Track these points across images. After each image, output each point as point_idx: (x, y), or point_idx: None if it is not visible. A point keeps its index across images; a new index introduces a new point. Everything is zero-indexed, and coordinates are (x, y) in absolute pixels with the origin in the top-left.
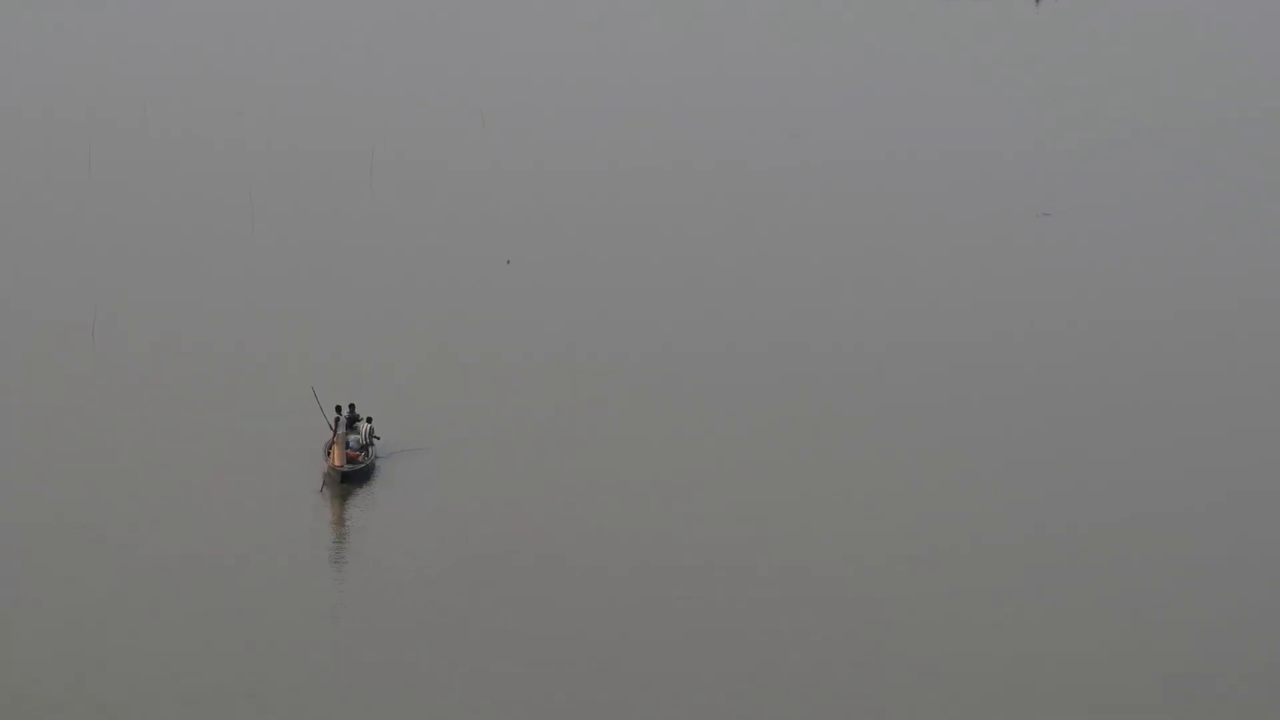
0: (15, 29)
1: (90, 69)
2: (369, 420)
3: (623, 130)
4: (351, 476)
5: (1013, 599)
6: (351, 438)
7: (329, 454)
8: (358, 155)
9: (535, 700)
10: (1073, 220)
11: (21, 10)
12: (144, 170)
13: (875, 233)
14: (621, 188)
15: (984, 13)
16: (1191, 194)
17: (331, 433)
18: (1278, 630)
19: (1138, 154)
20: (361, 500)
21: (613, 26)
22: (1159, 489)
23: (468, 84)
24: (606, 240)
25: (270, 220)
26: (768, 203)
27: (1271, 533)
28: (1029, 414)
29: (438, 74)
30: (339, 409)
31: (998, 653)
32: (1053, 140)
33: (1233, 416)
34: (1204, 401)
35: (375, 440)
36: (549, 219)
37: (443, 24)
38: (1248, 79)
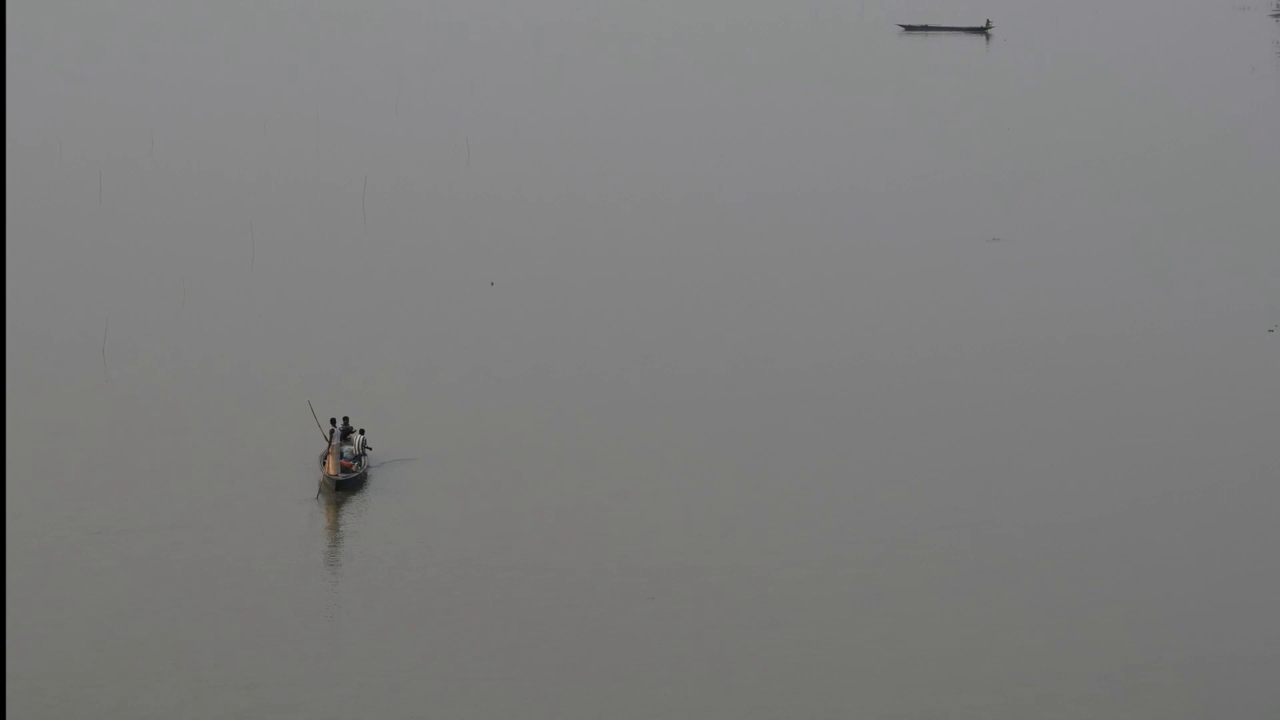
0: (35, 71)
1: (102, 106)
2: (362, 432)
3: (598, 161)
4: (346, 484)
5: (960, 595)
6: (346, 448)
7: (325, 463)
8: (351, 185)
9: (515, 690)
10: (1021, 245)
11: (42, 52)
12: (151, 199)
13: (837, 257)
14: (597, 215)
15: (937, 49)
16: (1131, 220)
17: (327, 444)
18: (1215, 623)
19: (1081, 183)
20: (355, 506)
21: (589, 65)
22: (1100, 493)
23: (453, 119)
24: (584, 264)
25: (269, 246)
26: (734, 229)
27: (1204, 531)
28: (978, 421)
29: (425, 109)
30: (334, 421)
31: (947, 646)
32: (1002, 170)
33: (1168, 424)
34: (1142, 410)
35: (368, 451)
36: (530, 244)
37: (429, 64)
38: (1182, 113)
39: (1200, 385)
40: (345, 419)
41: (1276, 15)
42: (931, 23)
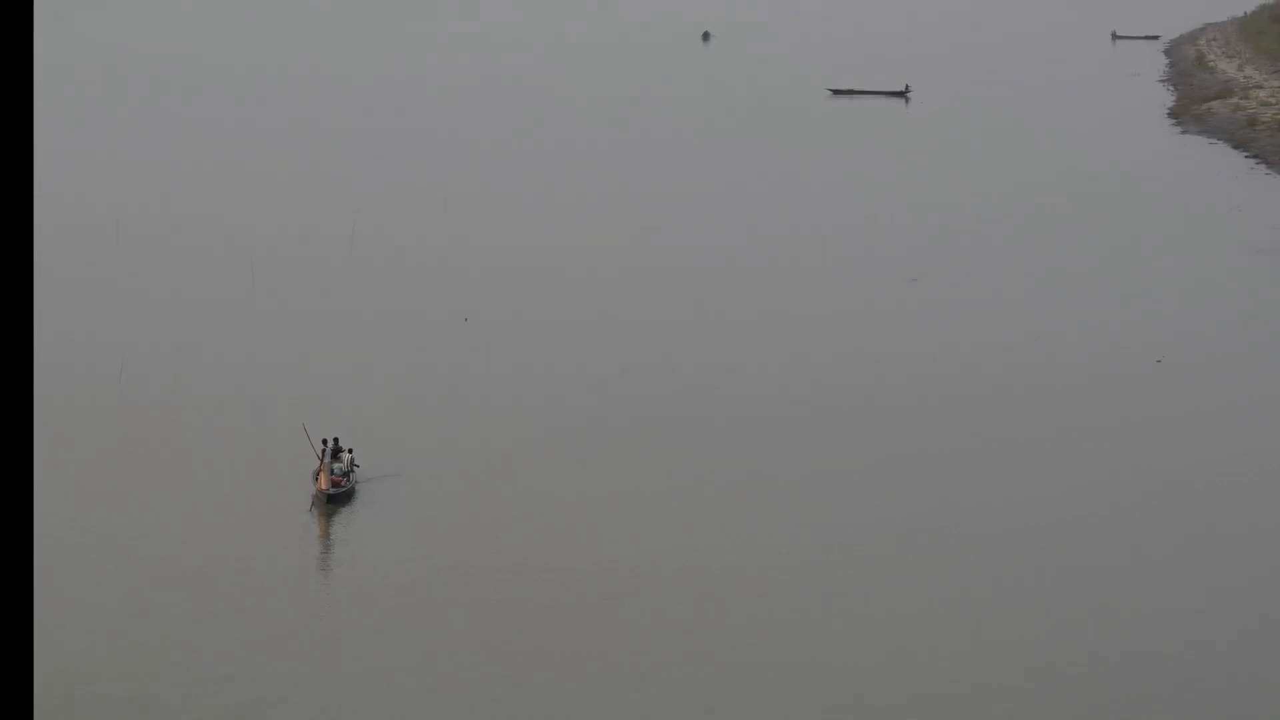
0: (63, 129)
1: (120, 161)
2: (350, 451)
3: (562, 210)
4: (336, 498)
5: (895, 597)
6: (335, 465)
7: (317, 479)
8: (341, 231)
9: (494, 680)
10: (937, 285)
11: (67, 113)
12: (163, 243)
13: (774, 296)
14: (560, 257)
15: (862, 111)
16: (1037, 262)
17: (319, 461)
18: (1143, 622)
19: (991, 228)
20: (344, 518)
21: (555, 125)
22: (1012, 505)
23: (432, 172)
24: (547, 301)
25: (268, 285)
26: (685, 270)
27: (1115, 539)
28: (893, 445)
29: (407, 164)
30: (325, 441)
31: (888, 643)
32: (920, 219)
33: (1071, 444)
34: (1047, 432)
35: (356, 468)
36: (501, 283)
37: (410, 123)
38: (1081, 167)
39: (1100, 408)
40: (335, 439)
41: (1165, 81)
42: (857, 88)
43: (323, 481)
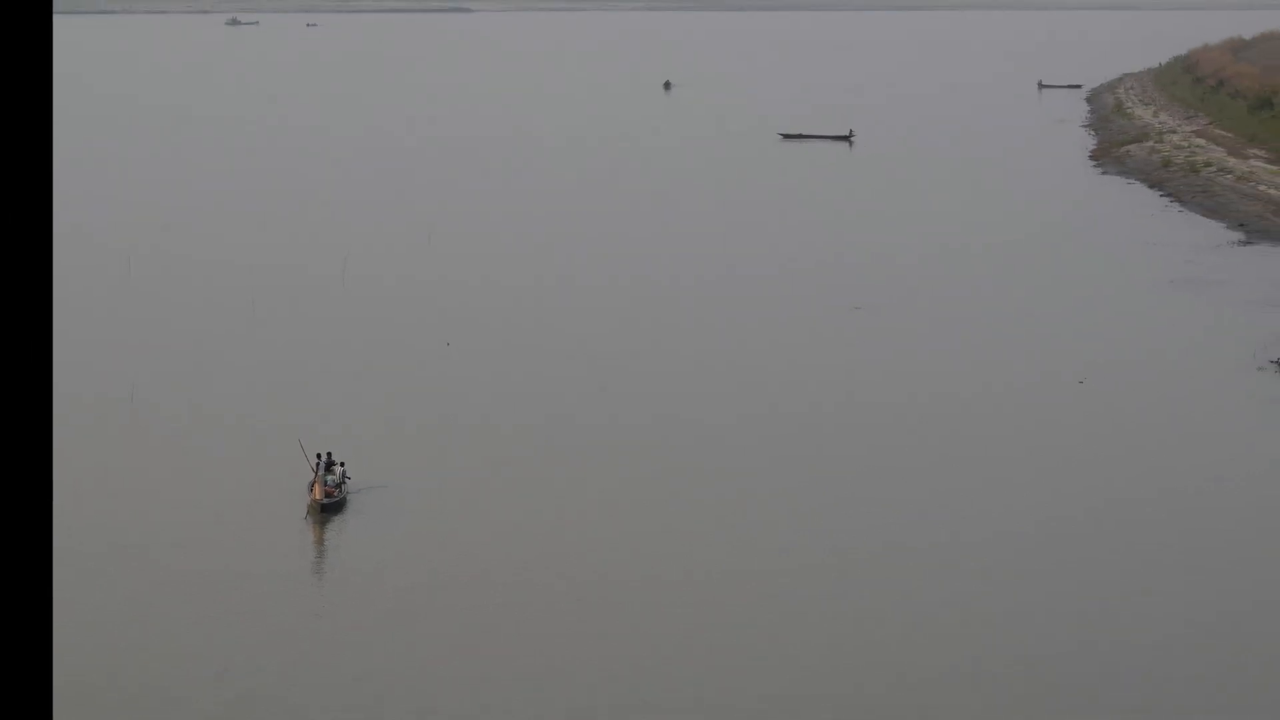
0: (79, 176)
1: (132, 204)
2: (342, 465)
3: (534, 247)
4: (329, 507)
5: (834, 607)
6: (329, 478)
7: (312, 490)
8: (334, 266)
9: (477, 676)
10: (878, 312)
11: (83, 161)
12: (171, 279)
13: (730, 321)
14: (535, 290)
15: (810, 154)
16: (972, 292)
17: (314, 474)
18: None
19: (928, 263)
20: (336, 525)
21: (530, 171)
22: (948, 522)
23: (416, 212)
24: (525, 329)
25: (267, 315)
26: (647, 303)
27: (1041, 550)
28: (836, 464)
29: (394, 205)
30: (319, 456)
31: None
32: (863, 251)
33: (1000, 460)
34: (979, 450)
35: (347, 480)
36: (480, 312)
37: (397, 168)
38: (1013, 206)
39: (1028, 424)
40: (329, 454)
41: (1087, 126)
42: (806, 132)
43: (317, 492)
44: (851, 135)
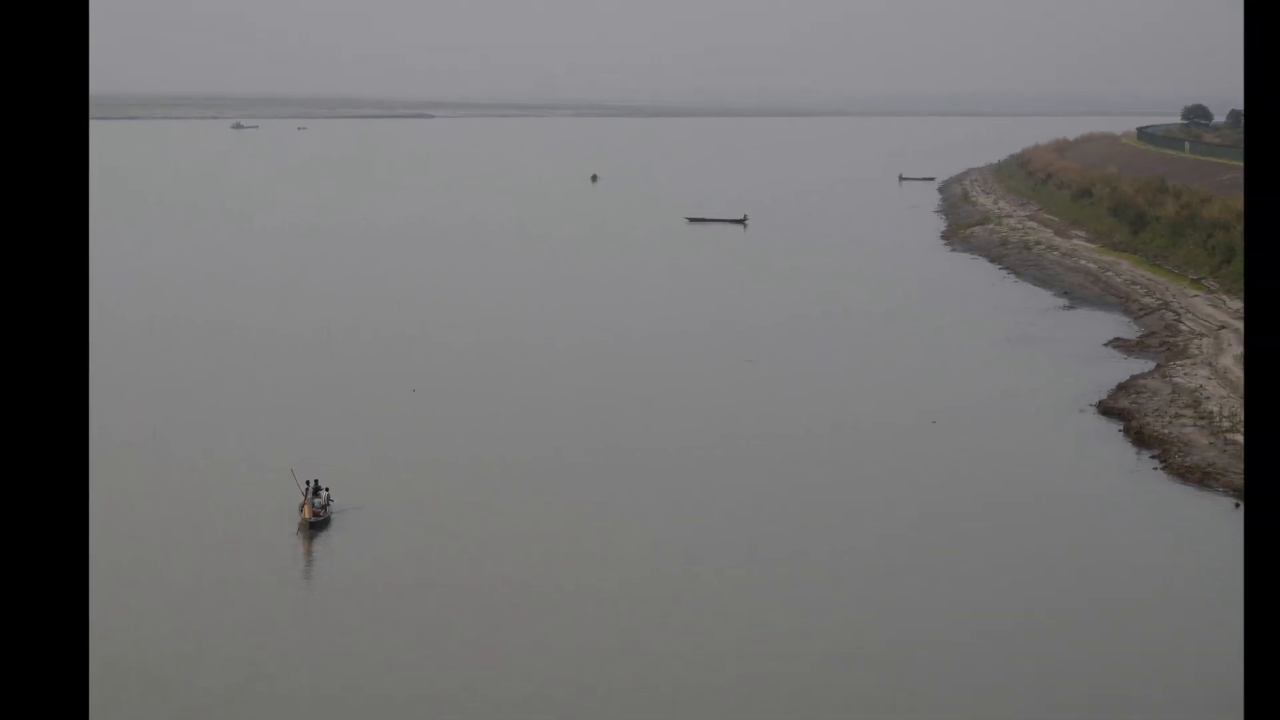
0: (109, 253)
1: (153, 278)
2: (327, 489)
3: (486, 312)
4: (316, 525)
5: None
6: (315, 500)
7: (301, 510)
8: (319, 329)
9: (454, 665)
10: (767, 364)
11: (110, 240)
12: (186, 339)
13: (644, 374)
14: (485, 349)
15: (711, 234)
16: (846, 349)
17: (303, 497)
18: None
19: (808, 324)
20: (323, 539)
21: (478, 253)
22: (822, 529)
23: (390, 285)
24: (479, 378)
25: (265, 370)
26: (577, 361)
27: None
28: (729, 488)
29: (369, 279)
30: (308, 483)
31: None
32: (754, 313)
33: (862, 486)
34: (850, 474)
35: (331, 502)
36: (443, 364)
37: (371, 251)
38: (885, 279)
39: (889, 457)
40: (315, 481)
41: (939, 211)
42: (708, 216)
43: (306, 512)
44: (746, 219)
